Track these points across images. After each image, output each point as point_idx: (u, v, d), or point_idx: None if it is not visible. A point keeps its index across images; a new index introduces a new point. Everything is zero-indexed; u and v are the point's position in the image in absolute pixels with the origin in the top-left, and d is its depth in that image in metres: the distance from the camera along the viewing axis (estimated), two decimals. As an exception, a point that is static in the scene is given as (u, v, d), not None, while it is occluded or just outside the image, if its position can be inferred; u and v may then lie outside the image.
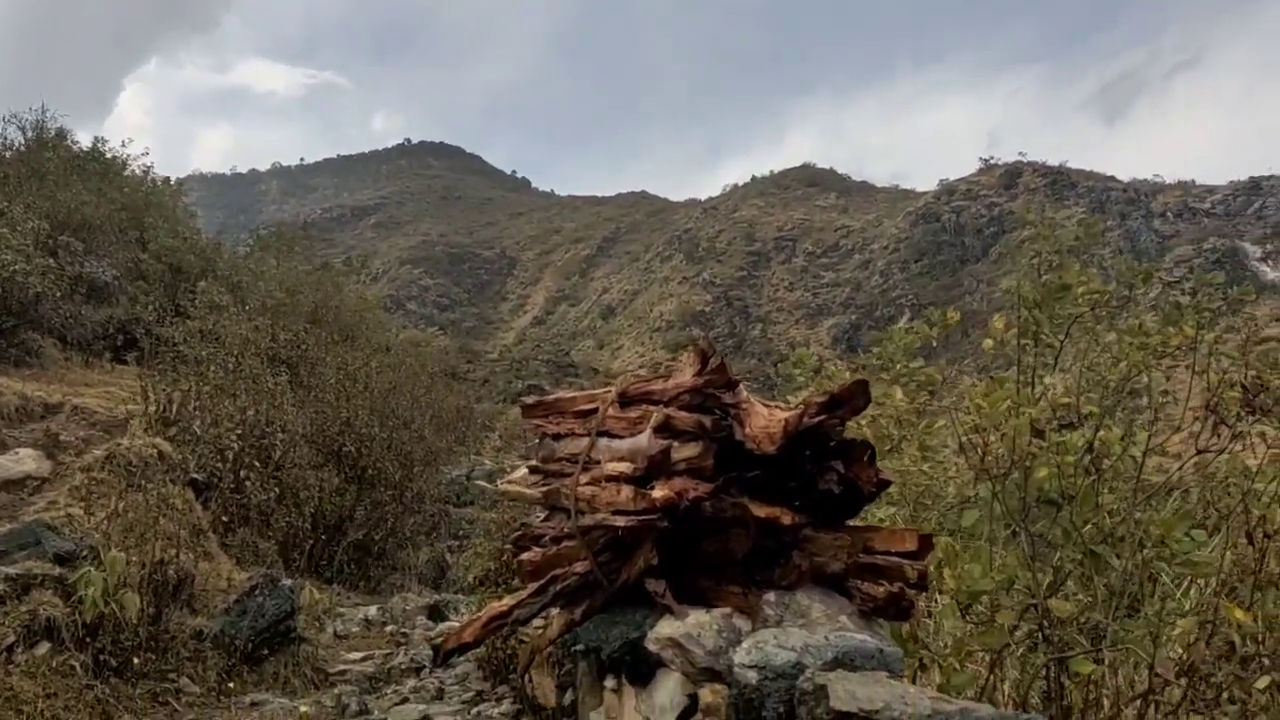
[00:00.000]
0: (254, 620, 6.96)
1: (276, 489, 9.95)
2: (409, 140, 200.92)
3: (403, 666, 7.95)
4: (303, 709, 6.32)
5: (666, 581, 3.17)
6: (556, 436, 3.66)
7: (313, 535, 10.43)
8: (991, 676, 3.18)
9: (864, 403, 3.12)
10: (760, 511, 3.08)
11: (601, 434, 3.41)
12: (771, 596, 3.07)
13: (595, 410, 3.49)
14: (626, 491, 3.11)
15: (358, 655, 8.01)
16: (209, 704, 6.16)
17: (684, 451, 3.16)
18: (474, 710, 6.51)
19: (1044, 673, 3.17)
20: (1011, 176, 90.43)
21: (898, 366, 4.72)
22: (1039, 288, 3.92)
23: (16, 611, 5.40)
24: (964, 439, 3.53)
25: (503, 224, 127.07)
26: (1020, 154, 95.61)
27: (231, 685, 6.53)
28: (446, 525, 14.34)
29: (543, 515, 3.83)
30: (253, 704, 6.33)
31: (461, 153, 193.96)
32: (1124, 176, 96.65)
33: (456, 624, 7.76)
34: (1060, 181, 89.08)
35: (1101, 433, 3.32)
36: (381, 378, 13.62)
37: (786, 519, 3.08)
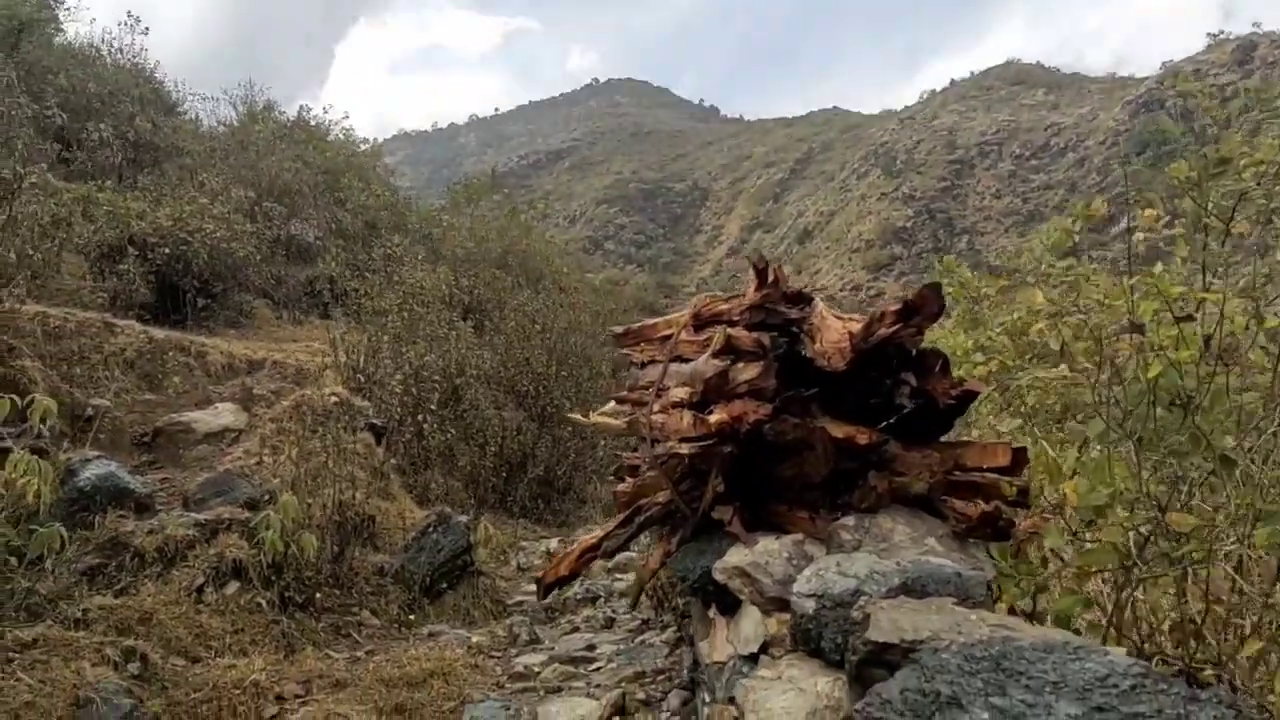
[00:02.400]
0: (431, 556, 7.28)
1: (455, 430, 10.39)
2: (597, 80, 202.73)
3: (578, 597, 8.15)
4: (475, 638, 6.59)
5: (742, 509, 3.01)
6: (642, 364, 3.55)
7: (496, 473, 10.84)
8: (1120, 597, 2.82)
9: (938, 309, 2.81)
10: (837, 432, 2.85)
11: (676, 359, 3.26)
12: (850, 520, 2.85)
13: (672, 335, 3.34)
14: (687, 417, 2.97)
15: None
16: (389, 635, 6.51)
17: (745, 373, 2.96)
18: (638, 639, 6.59)
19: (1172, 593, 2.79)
20: (1245, 51, 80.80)
21: (1042, 267, 4.26)
22: (1197, 165, 3.40)
23: (206, 554, 5.87)
24: (1068, 340, 3.13)
25: (693, 155, 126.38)
26: (1255, 25, 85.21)
27: (412, 618, 6.89)
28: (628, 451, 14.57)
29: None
30: (430, 635, 6.64)
31: (649, 87, 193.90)
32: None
33: (636, 553, 7.91)
34: (1307, 51, 78.88)
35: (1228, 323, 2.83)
36: (560, 318, 13.88)
37: (863, 438, 2.84)
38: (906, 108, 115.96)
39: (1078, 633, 3.01)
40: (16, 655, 4.47)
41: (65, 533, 4.51)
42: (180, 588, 5.64)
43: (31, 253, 7.32)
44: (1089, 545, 2.98)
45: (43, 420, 4.57)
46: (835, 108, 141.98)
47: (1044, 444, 3.10)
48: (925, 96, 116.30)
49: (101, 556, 5.60)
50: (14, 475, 4.31)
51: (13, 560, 4.49)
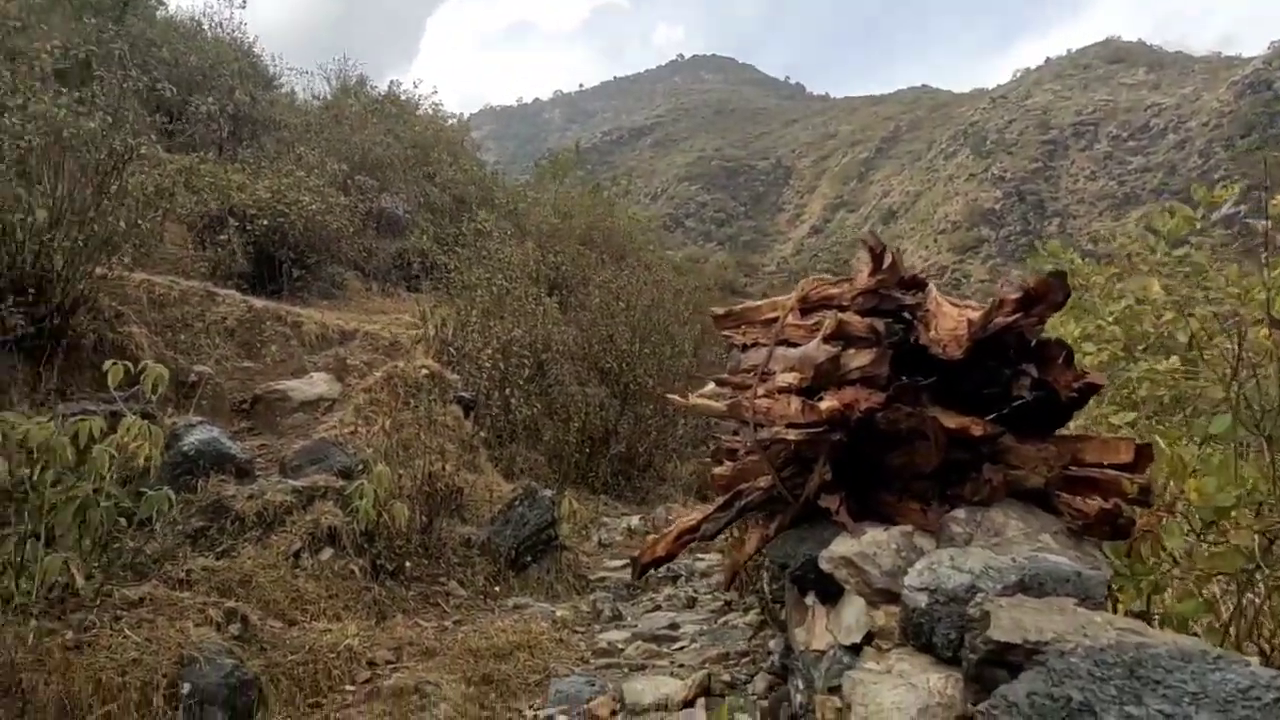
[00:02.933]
0: (516, 529, 7.36)
1: (540, 405, 10.48)
2: (682, 56, 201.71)
3: (660, 575, 8.17)
4: (559, 612, 6.66)
5: (849, 497, 2.94)
6: (744, 347, 3.49)
7: (579, 448, 10.91)
8: (1241, 603, 2.70)
9: (1063, 298, 2.69)
10: (950, 422, 2.76)
11: (781, 343, 3.20)
12: (961, 513, 2.76)
13: (777, 318, 3.27)
14: (795, 403, 2.91)
15: (618, 563, 8.30)
16: (475, 606, 6.61)
17: (857, 359, 2.88)
18: (721, 620, 6.57)
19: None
20: (1368, 28, 76.49)
21: (1157, 255, 4.07)
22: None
23: (302, 520, 6.01)
24: (1196, 332, 2.97)
25: (777, 133, 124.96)
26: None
27: (497, 589, 6.98)
28: (716, 434, 14.54)
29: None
30: (515, 607, 6.72)
31: (734, 64, 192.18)
32: None
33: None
34: None
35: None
36: (644, 295, 13.86)
37: (977, 430, 2.75)
38: (998, 86, 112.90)
39: (1195, 636, 2.90)
40: (124, 613, 4.64)
41: (173, 495, 4.65)
42: (278, 552, 5.79)
43: (140, 223, 7.55)
44: (1212, 547, 2.85)
45: (154, 389, 4.72)
46: (924, 86, 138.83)
47: (1161, 443, 2.97)
48: (1019, 75, 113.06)
49: (204, 519, 5.79)
50: (126, 439, 4.46)
51: (122, 521, 4.65)
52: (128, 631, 4.45)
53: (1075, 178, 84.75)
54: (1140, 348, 4.38)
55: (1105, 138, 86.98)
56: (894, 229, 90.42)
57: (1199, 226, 4.14)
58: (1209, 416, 3.33)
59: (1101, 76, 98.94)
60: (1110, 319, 4.43)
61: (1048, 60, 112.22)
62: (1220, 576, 2.95)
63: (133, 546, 5.14)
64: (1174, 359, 4.30)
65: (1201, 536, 2.92)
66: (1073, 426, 3.79)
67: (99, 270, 7.02)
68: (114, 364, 4.80)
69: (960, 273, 75.89)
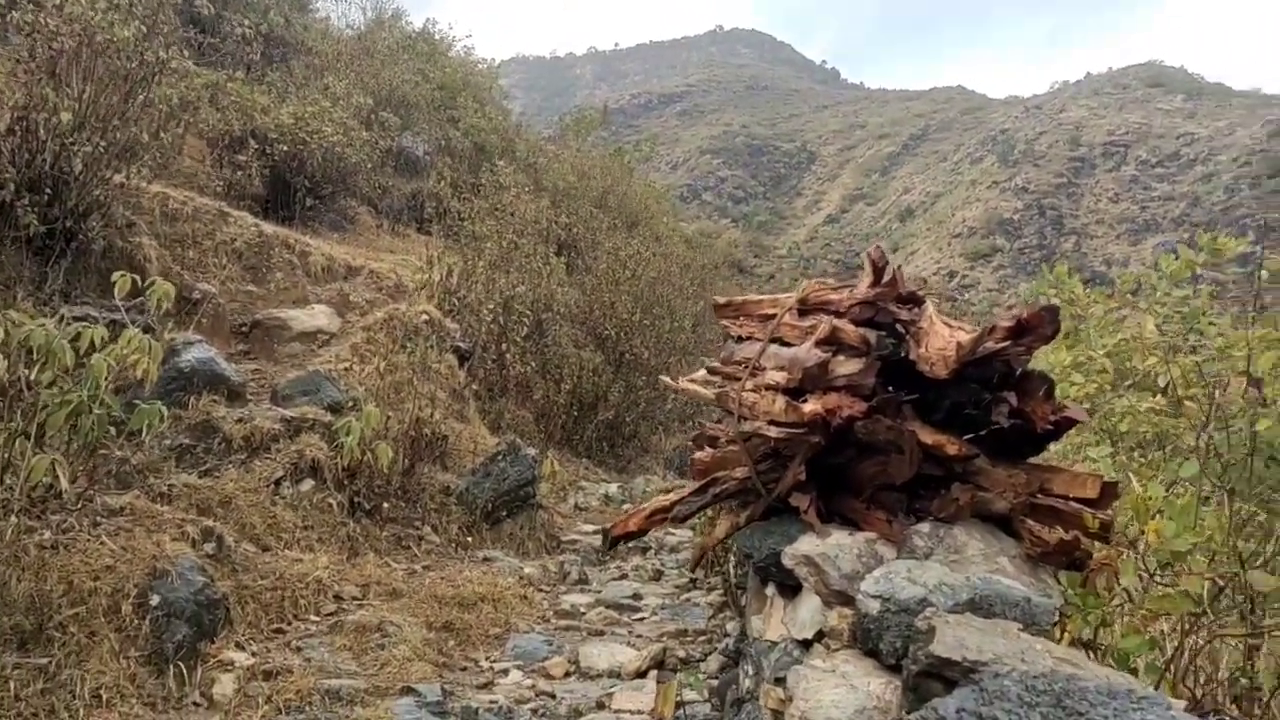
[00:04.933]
0: (496, 483, 7.46)
1: (535, 363, 10.56)
2: (720, 27, 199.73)
3: (631, 545, 8.30)
4: (527, 569, 6.78)
5: (819, 499, 3.03)
6: (740, 339, 3.56)
7: (567, 411, 11.00)
8: (1183, 645, 2.79)
9: (1052, 332, 2.75)
10: (927, 437, 2.84)
11: (775, 340, 3.27)
12: (925, 528, 2.85)
13: (775, 315, 3.34)
14: (780, 402, 2.99)
15: (591, 528, 8.42)
16: (446, 554, 6.72)
17: (845, 367, 2.96)
18: (684, 596, 6.70)
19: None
20: None
21: (1157, 294, 4.14)
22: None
23: (287, 450, 6.10)
24: (1177, 380, 3.05)
25: (806, 116, 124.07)
26: None
27: (470, 540, 7.10)
28: (701, 416, 14.66)
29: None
30: (485, 559, 6.84)
31: (772, 40, 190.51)
32: None
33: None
34: None
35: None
36: (651, 266, 13.89)
37: (952, 448, 2.83)
38: (1034, 96, 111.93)
39: (1134, 672, 2.99)
40: (104, 520, 4.73)
41: (164, 411, 4.73)
42: (260, 478, 5.89)
43: (162, 134, 7.57)
44: (1164, 588, 2.94)
45: (158, 305, 4.78)
46: (960, 87, 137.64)
47: (1133, 480, 3.05)
48: (1056, 87, 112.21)
49: (192, 437, 5.88)
50: (125, 351, 4.52)
51: (112, 430, 4.73)
52: (105, 538, 4.55)
53: (1098, 197, 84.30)
54: (1127, 383, 4.45)
55: (1134, 160, 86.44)
56: (909, 227, 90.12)
57: (1199, 272, 4.19)
58: (1181, 459, 3.42)
59: (1139, 99, 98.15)
60: (1102, 351, 4.50)
61: (1087, 75, 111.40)
62: (1167, 617, 3.05)
63: (120, 456, 5.23)
64: (1158, 397, 4.39)
65: (1155, 577, 3.01)
66: (1054, 449, 3.87)
67: (117, 178, 7.06)
68: (123, 275, 4.86)
69: (969, 279, 75.75)
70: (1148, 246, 74.41)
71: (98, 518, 4.72)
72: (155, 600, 4.33)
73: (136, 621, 4.23)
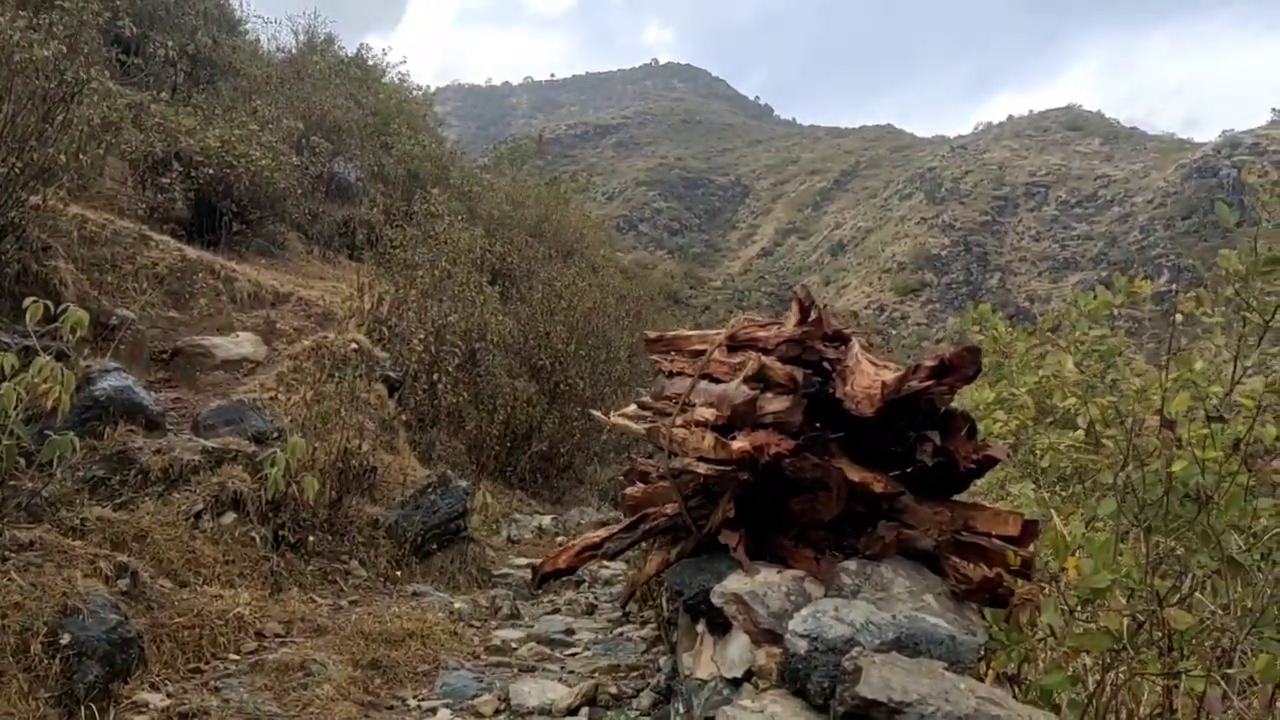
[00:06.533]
0: (426, 516, 7.33)
1: (467, 393, 10.45)
2: (656, 61, 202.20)
3: (564, 579, 8.22)
4: (457, 604, 6.66)
5: (748, 536, 3.03)
6: (670, 374, 3.56)
7: (501, 441, 10.89)
8: (1104, 679, 2.85)
9: (974, 372, 2.82)
10: (854, 475, 2.87)
11: (705, 377, 3.28)
12: (852, 565, 2.87)
13: (705, 351, 3.36)
14: (709, 438, 2.99)
15: (524, 561, 8.32)
16: (373, 588, 6.57)
17: (773, 404, 2.98)
18: (617, 630, 6.63)
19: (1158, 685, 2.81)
20: (1309, 132, 79.88)
21: (1076, 333, 4.26)
22: (1246, 260, 3.40)
23: (208, 482, 5.93)
24: (1095, 419, 3.14)
25: (740, 151, 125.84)
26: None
27: (399, 574, 6.95)
28: (635, 447, 14.63)
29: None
30: (414, 594, 6.70)
31: (707, 75, 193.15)
32: None
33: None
34: (1377, 138, 78.03)
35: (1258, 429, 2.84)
36: (586, 297, 13.89)
37: (878, 486, 2.86)
38: (959, 136, 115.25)
39: (1057, 708, 3.04)
40: (12, 555, 4.53)
41: (77, 442, 4.56)
42: (179, 511, 5.71)
43: (81, 155, 7.37)
44: (1083, 625, 2.99)
45: (72, 331, 4.62)
46: (889, 125, 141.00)
47: (1055, 518, 3.11)
48: (980, 128, 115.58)
49: (107, 469, 5.67)
50: (36, 379, 4.36)
51: (21, 461, 4.55)
52: (13, 574, 4.36)
53: (1021, 235, 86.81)
54: (1048, 420, 4.56)
55: (1054, 201, 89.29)
56: (841, 261, 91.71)
57: (1117, 312, 4.32)
58: (1100, 497, 3.50)
59: (1058, 141, 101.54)
60: (1024, 389, 4.61)
61: (1010, 118, 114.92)
62: (1088, 653, 3.10)
63: (29, 488, 5.02)
64: (1078, 433, 4.50)
65: (1075, 613, 3.07)
66: (978, 484, 3.94)
67: (33, 199, 6.84)
68: (34, 302, 4.68)
69: (899, 313, 77.25)
70: (1068, 283, 76.71)
71: (6, 552, 4.52)
72: (66, 639, 4.15)
73: (46, 661, 4.05)
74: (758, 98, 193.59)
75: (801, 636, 2.54)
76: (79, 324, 4.65)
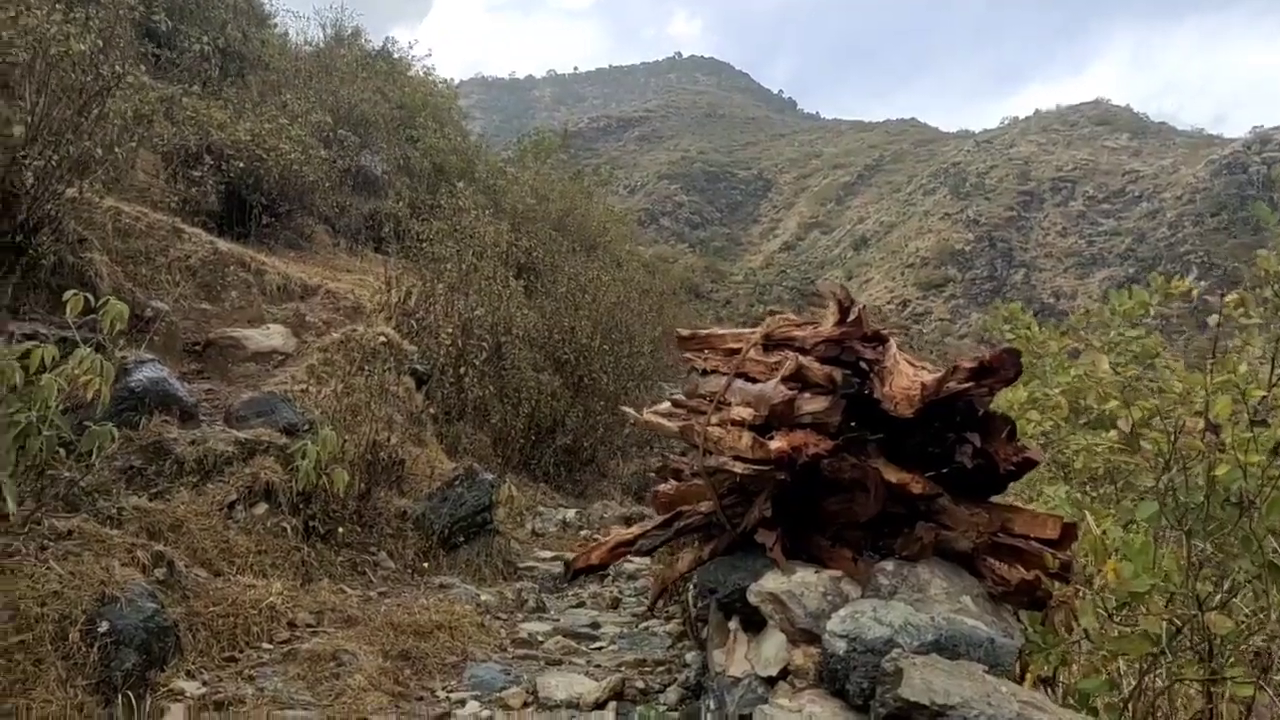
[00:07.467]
0: (453, 508, 7.37)
1: (493, 387, 10.49)
2: (679, 54, 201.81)
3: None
4: (484, 596, 6.70)
5: (784, 536, 3.04)
6: (704, 372, 3.57)
7: (525, 435, 10.94)
8: (1141, 684, 2.84)
9: (1014, 374, 2.81)
10: (892, 476, 2.87)
11: (740, 376, 3.28)
12: (889, 566, 2.87)
13: (740, 349, 3.36)
14: (746, 438, 3.00)
15: (549, 554, 8.36)
16: (401, 580, 6.63)
17: (811, 404, 2.98)
18: (642, 625, 6.65)
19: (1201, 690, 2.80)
20: (1342, 127, 78.79)
21: (1111, 333, 4.23)
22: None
23: (241, 473, 5.99)
24: (1136, 423, 3.12)
25: (763, 144, 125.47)
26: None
27: (426, 565, 7.00)
28: (659, 442, 14.64)
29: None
30: (441, 585, 6.75)
31: (730, 69, 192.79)
32: None
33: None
34: None
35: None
36: (610, 291, 13.90)
37: (917, 487, 2.86)
38: (985, 130, 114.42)
39: (1095, 712, 3.02)
40: (51, 544, 4.60)
41: (115, 432, 4.62)
42: (213, 501, 5.77)
43: (116, 150, 7.44)
44: (1121, 629, 2.98)
45: (112, 325, 4.68)
46: (913, 119, 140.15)
47: (1090, 521, 3.10)
48: (1006, 122, 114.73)
49: (143, 459, 5.74)
50: (76, 371, 4.42)
51: (61, 452, 4.61)
52: (52, 563, 4.42)
53: (1046, 231, 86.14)
54: (1082, 421, 4.53)
55: (1081, 196, 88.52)
56: (864, 256, 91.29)
57: (1152, 312, 4.29)
58: (1135, 498, 3.48)
59: (1086, 136, 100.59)
60: (1058, 389, 4.58)
61: (1036, 112, 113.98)
62: (1125, 656, 3.09)
63: (68, 478, 5.09)
64: (1112, 433, 4.47)
65: (1113, 616, 3.06)
66: (1012, 485, 3.93)
67: (69, 192, 6.92)
68: (75, 294, 4.75)
69: (922, 309, 76.87)
70: (1095, 280, 76.11)
71: (45, 541, 4.59)
72: (104, 627, 4.20)
73: (84, 649, 4.10)
74: (781, 91, 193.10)
75: (840, 637, 2.54)
76: (119, 317, 4.71)
